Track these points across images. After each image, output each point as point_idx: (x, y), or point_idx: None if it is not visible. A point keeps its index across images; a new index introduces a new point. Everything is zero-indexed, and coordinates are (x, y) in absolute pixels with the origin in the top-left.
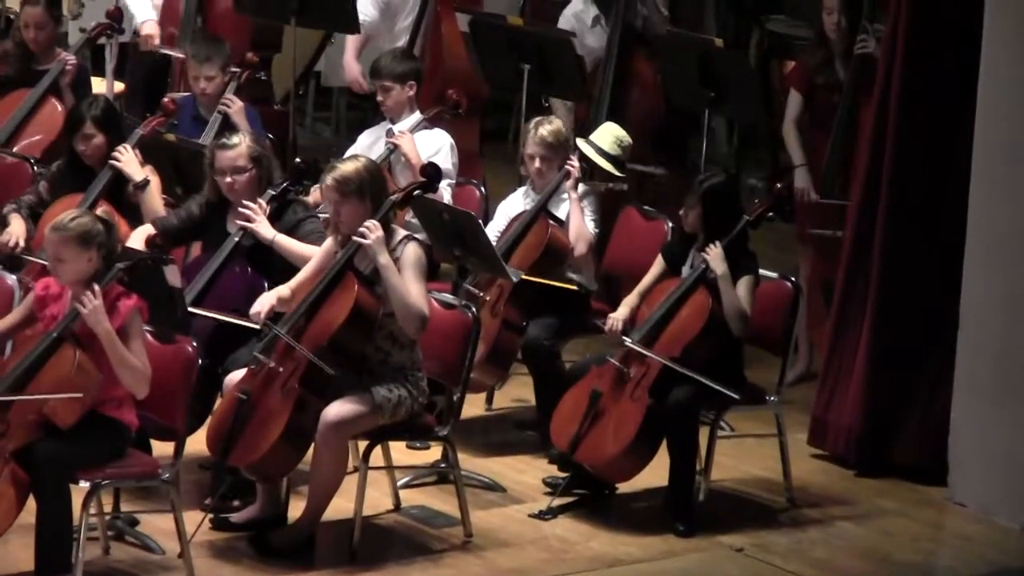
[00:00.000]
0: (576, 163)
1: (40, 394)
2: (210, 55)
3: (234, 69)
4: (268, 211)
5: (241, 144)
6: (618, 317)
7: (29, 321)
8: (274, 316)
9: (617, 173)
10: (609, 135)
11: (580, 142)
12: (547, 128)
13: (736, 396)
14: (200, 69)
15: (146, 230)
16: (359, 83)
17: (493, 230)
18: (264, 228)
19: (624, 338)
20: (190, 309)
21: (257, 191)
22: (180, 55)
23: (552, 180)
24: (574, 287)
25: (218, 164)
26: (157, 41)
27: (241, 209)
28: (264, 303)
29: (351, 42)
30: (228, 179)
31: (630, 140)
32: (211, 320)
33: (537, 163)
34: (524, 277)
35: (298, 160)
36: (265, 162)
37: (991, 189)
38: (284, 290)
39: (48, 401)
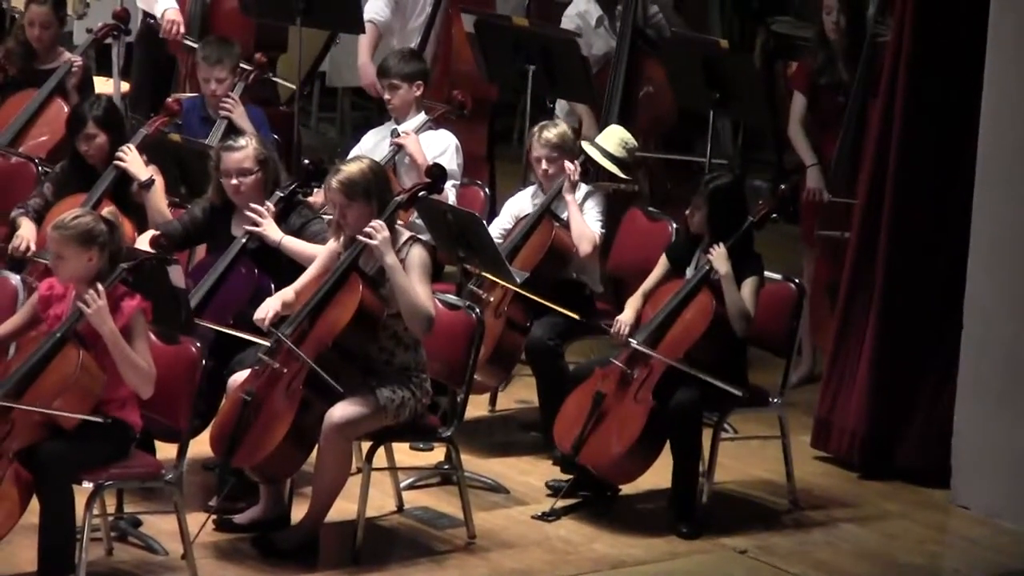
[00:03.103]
0: (573, 166)
1: (44, 394)
2: (221, 57)
3: (245, 67)
4: (275, 213)
5: (248, 146)
6: (624, 320)
7: (34, 323)
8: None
9: (622, 175)
10: (614, 137)
11: (585, 144)
12: (552, 131)
13: (739, 393)
14: (211, 71)
15: (147, 238)
16: (376, 87)
17: (498, 227)
18: (271, 230)
19: (630, 340)
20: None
21: (263, 194)
22: (193, 44)
23: (557, 182)
24: (566, 312)
25: (224, 166)
26: (183, 28)
27: (248, 212)
28: (268, 308)
29: (365, 45)
30: (234, 181)
31: (636, 143)
32: (216, 322)
33: (544, 165)
34: (519, 290)
35: (306, 161)
36: (271, 165)
37: (996, 190)
38: (289, 293)
39: (52, 404)
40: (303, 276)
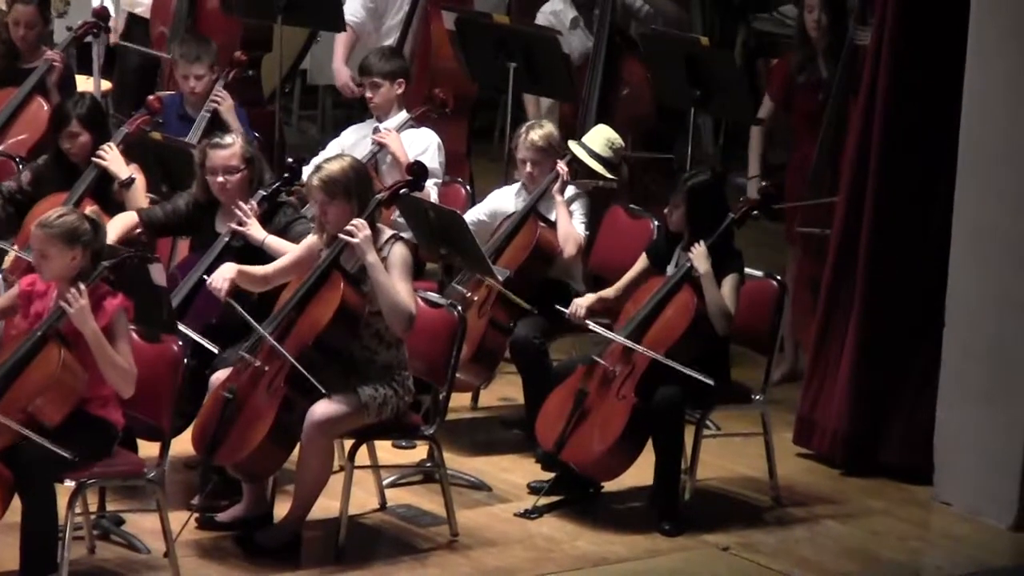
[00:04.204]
0: (564, 167)
1: (25, 393)
2: (199, 54)
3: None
4: (259, 212)
5: (235, 144)
6: (581, 303)
7: (10, 312)
8: (258, 313)
9: (608, 175)
10: (601, 137)
11: (572, 144)
12: (538, 132)
13: (710, 382)
14: (189, 68)
15: (124, 218)
16: (349, 87)
17: (478, 212)
18: (255, 230)
19: (588, 322)
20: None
21: (248, 192)
22: (165, 56)
23: (543, 182)
24: (522, 304)
25: (210, 163)
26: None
27: (234, 211)
28: (225, 275)
29: (340, 46)
30: (220, 179)
31: (622, 142)
32: (200, 320)
33: (528, 167)
34: (504, 291)
35: (290, 160)
36: (257, 163)
37: (978, 187)
38: (256, 269)
39: (34, 403)
40: (276, 262)
